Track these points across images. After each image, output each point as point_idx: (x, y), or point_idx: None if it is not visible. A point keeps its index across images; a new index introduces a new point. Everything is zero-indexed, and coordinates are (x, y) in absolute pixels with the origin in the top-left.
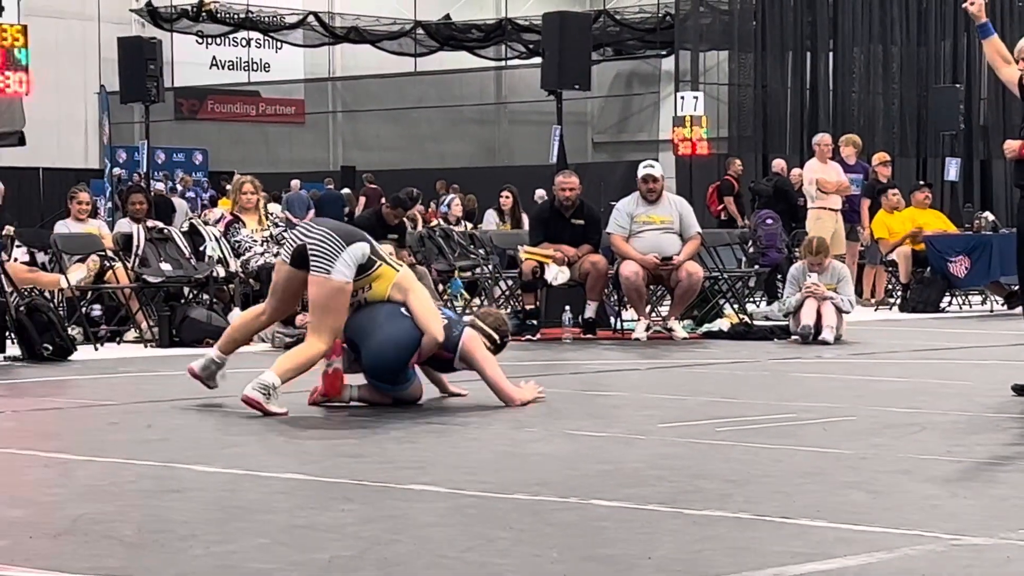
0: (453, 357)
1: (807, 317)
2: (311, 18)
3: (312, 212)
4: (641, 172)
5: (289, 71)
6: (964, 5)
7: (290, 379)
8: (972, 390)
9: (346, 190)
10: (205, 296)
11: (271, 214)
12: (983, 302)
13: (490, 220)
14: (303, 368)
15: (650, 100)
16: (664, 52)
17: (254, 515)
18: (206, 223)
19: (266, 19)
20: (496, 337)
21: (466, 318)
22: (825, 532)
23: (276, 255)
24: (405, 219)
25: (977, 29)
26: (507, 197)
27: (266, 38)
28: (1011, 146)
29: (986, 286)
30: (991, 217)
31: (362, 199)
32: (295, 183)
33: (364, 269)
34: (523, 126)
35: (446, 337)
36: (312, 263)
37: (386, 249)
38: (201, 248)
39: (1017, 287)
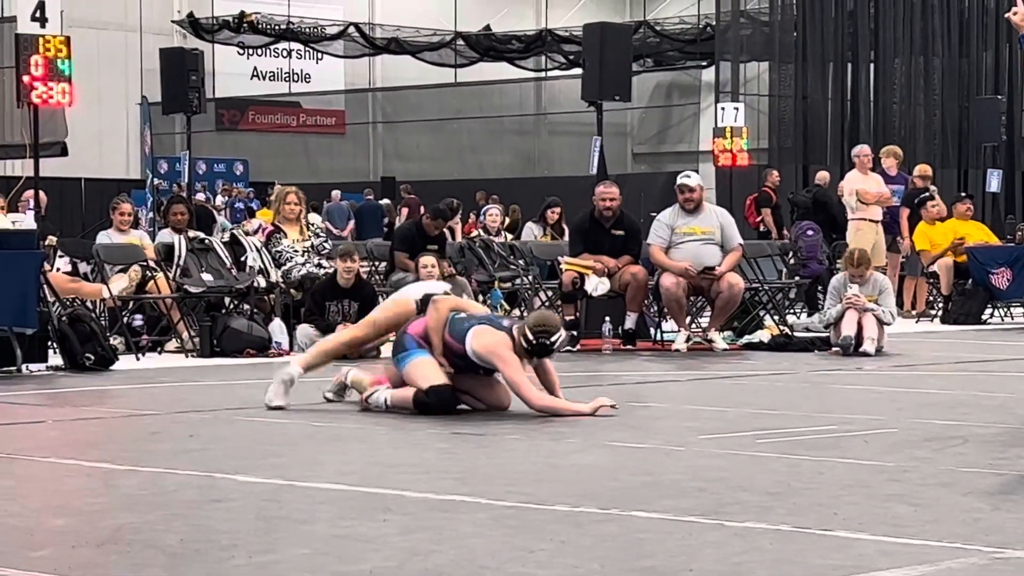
0: (465, 350)
1: (848, 328)
2: (351, 29)
3: (352, 223)
4: (678, 182)
5: (329, 82)
6: (1007, 15)
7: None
8: (1014, 402)
9: (386, 200)
10: (246, 306)
11: (312, 224)
12: None
13: (530, 232)
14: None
15: (690, 111)
16: (704, 63)
17: (295, 525)
18: (246, 233)
19: (307, 30)
20: (522, 340)
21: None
22: (867, 545)
23: (317, 265)
24: (445, 230)
25: (1019, 39)
26: (555, 212)
27: (307, 49)
28: None
29: None
30: None
31: (404, 210)
32: (336, 194)
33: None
34: (563, 137)
35: (455, 328)
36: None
37: (428, 260)
38: (242, 258)
39: None
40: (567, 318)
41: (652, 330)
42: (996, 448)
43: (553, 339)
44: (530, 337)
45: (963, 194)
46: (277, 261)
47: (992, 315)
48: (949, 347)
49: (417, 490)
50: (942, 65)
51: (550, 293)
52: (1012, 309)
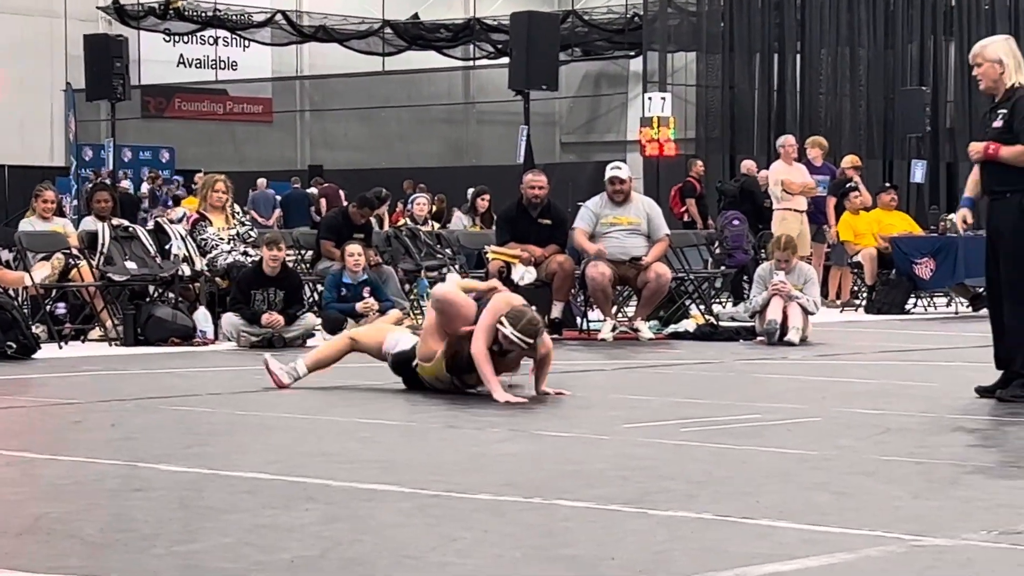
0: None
1: (773, 313)
2: (279, 16)
3: (278, 212)
4: (608, 173)
5: (257, 70)
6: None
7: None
8: (936, 392)
9: (312, 189)
10: (170, 295)
11: (238, 212)
12: (948, 304)
13: (459, 220)
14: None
15: (618, 101)
16: (632, 53)
17: (218, 514)
18: (171, 221)
19: (234, 17)
20: (506, 335)
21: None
22: (788, 533)
23: (243, 254)
24: (372, 219)
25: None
26: (484, 200)
27: (234, 36)
28: (976, 148)
29: (951, 288)
30: (956, 219)
31: (322, 200)
32: (261, 182)
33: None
34: (491, 126)
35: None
36: None
37: (356, 249)
38: (167, 246)
39: (982, 289)
40: None
41: (578, 319)
42: (917, 437)
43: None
44: (513, 339)
45: (887, 184)
46: (202, 249)
47: (915, 305)
48: (873, 337)
49: (340, 479)
50: (868, 56)
51: None
52: (935, 299)
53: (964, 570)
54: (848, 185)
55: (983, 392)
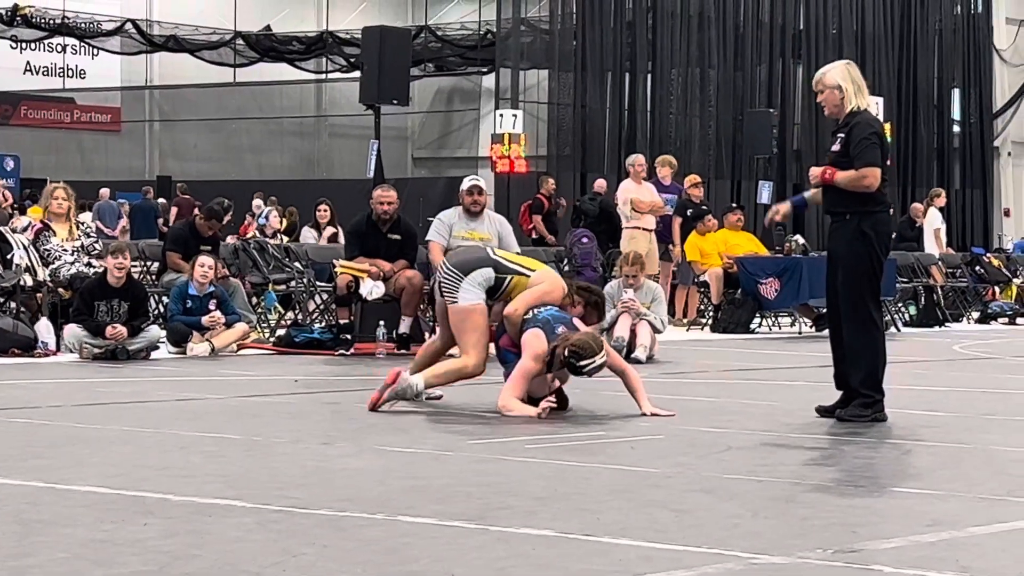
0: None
1: (621, 330)
2: (129, 25)
3: (124, 221)
4: (466, 184)
5: (105, 78)
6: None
7: (434, 386)
8: (778, 410)
9: (161, 200)
10: (12, 305)
11: (82, 223)
12: (792, 324)
13: (307, 236)
14: (448, 380)
15: (470, 117)
16: (485, 69)
17: (54, 528)
18: (14, 231)
19: (83, 25)
20: (559, 352)
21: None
22: (628, 550)
23: (87, 264)
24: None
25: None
26: (324, 210)
27: (82, 44)
28: (815, 173)
29: (795, 308)
30: (801, 240)
31: (174, 209)
32: (104, 191)
33: (497, 288)
34: (343, 140)
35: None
36: (443, 295)
37: (207, 261)
38: (8, 256)
39: (825, 310)
40: (342, 321)
41: (427, 334)
42: (758, 455)
43: (582, 363)
44: (563, 354)
45: (734, 205)
46: (45, 260)
47: (760, 324)
48: (718, 355)
49: (182, 493)
50: (717, 78)
51: (325, 296)
52: (779, 319)
53: None
54: (703, 208)
55: (823, 412)
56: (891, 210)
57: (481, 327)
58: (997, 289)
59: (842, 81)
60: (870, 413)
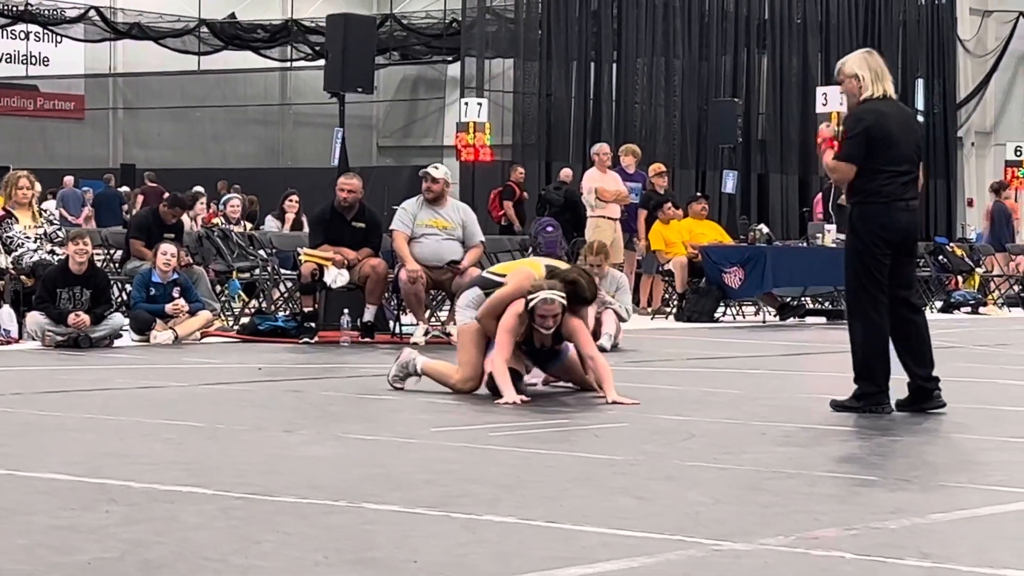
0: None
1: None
2: (92, 12)
3: (88, 209)
4: (423, 171)
5: (69, 66)
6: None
7: (427, 375)
8: (741, 399)
9: (125, 188)
10: None
11: (45, 211)
12: (756, 313)
13: (271, 224)
14: (438, 379)
15: (436, 105)
16: (450, 58)
17: (13, 516)
18: None
19: (46, 12)
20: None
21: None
22: (590, 537)
23: (50, 252)
24: (185, 218)
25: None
26: (293, 201)
27: (46, 31)
28: (824, 133)
29: (759, 297)
30: (766, 229)
31: (140, 197)
32: (68, 179)
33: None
34: (308, 128)
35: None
36: None
37: (170, 248)
38: None
39: (790, 298)
40: (306, 309)
41: (391, 323)
42: (721, 443)
43: (530, 297)
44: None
45: (699, 194)
46: (8, 247)
47: (724, 313)
48: (682, 344)
49: (143, 481)
50: (682, 67)
51: (289, 284)
52: (744, 308)
53: (760, 574)
54: (662, 198)
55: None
56: (910, 202)
57: (470, 346)
58: (960, 279)
59: (859, 69)
60: (862, 404)
